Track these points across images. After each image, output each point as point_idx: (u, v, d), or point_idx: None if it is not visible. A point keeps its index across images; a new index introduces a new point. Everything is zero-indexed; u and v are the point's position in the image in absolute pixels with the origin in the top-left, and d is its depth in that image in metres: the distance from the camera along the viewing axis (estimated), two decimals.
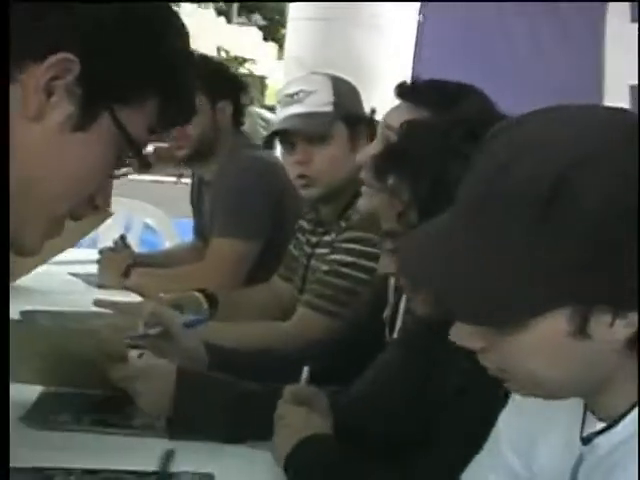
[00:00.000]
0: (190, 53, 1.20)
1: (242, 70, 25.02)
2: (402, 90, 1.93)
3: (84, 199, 1.15)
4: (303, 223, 2.85)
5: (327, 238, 2.66)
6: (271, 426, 1.70)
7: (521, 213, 0.95)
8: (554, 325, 0.95)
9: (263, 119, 17.72)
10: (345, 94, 2.63)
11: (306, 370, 1.77)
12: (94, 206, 1.17)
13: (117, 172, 1.18)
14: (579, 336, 0.95)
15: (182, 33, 1.17)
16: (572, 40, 4.34)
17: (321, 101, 2.59)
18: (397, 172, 1.46)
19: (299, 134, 2.63)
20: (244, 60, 25.80)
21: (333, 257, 2.54)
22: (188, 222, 4.83)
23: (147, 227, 4.38)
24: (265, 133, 11.04)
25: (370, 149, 1.88)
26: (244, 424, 1.82)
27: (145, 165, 1.16)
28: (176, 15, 1.17)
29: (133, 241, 4.15)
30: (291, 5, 5.39)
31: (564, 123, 1.00)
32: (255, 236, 3.13)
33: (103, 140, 1.10)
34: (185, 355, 2.07)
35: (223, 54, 27.26)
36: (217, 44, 27.65)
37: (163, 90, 1.13)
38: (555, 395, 1.06)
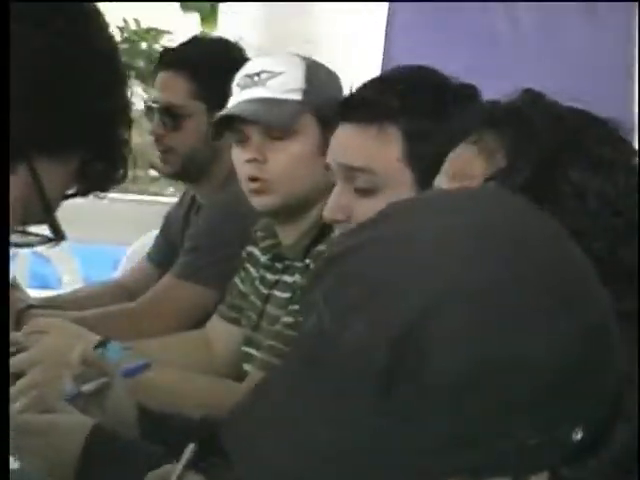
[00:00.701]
0: (128, 100, 1.21)
1: (157, 46, 25.32)
2: (347, 108, 1.95)
3: None
4: (255, 251, 2.66)
5: (288, 279, 2.51)
6: None
7: (359, 385, 0.93)
8: None
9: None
10: (321, 81, 2.48)
11: (191, 448, 1.69)
12: None
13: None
14: None
15: (122, 66, 1.21)
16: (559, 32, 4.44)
17: (288, 86, 2.44)
18: None
19: (255, 124, 2.46)
20: (158, 33, 26.01)
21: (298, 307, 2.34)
22: (93, 248, 4.66)
23: (37, 255, 4.19)
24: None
25: (336, 198, 1.86)
26: None
27: (54, 227, 1.18)
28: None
29: (19, 276, 3.95)
30: None
31: (411, 251, 0.96)
32: (220, 284, 2.91)
33: (15, 194, 1.12)
34: (114, 417, 1.96)
35: (132, 25, 27.50)
36: (124, 13, 27.83)
37: (90, 149, 1.17)
38: None
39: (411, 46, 4.25)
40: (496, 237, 0.97)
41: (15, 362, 2.11)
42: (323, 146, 2.31)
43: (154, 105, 3.12)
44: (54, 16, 1.14)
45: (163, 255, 3.39)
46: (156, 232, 4.14)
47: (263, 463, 0.97)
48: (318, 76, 2.49)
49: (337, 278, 0.98)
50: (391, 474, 0.94)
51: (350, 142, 1.99)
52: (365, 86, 2.06)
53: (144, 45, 24.54)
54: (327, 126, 2.32)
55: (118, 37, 24.35)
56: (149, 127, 3.14)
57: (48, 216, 1.17)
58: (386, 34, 4.36)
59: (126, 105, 1.20)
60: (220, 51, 3.14)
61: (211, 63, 3.04)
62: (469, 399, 0.91)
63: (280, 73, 2.45)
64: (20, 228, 1.19)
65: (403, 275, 0.95)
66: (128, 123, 1.21)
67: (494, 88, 1.59)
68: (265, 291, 2.57)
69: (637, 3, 4.17)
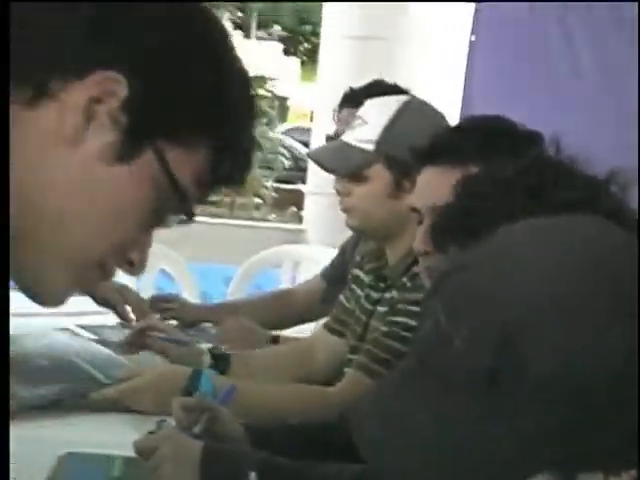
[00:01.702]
0: (254, 104, 1.15)
1: (262, 91, 25.19)
2: (429, 153, 1.97)
3: (117, 248, 1.08)
4: (360, 273, 2.78)
5: (388, 295, 2.59)
6: None
7: (466, 384, 0.96)
8: None
9: (284, 146, 17.79)
10: (402, 132, 2.46)
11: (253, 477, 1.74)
12: (128, 261, 1.10)
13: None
14: None
15: (245, 72, 1.13)
16: None
17: (366, 136, 2.52)
18: (459, 241, 1.43)
19: None
20: (264, 80, 25.95)
21: (395, 319, 2.46)
22: (206, 267, 4.86)
23: (162, 272, 4.40)
24: (287, 162, 11.05)
25: (424, 233, 1.91)
26: None
27: (189, 215, 1.11)
28: (239, 58, 1.13)
29: (147, 288, 4.21)
30: (325, 23, 5.42)
31: (513, 270, 0.99)
32: None
33: (144, 178, 1.05)
34: (226, 439, 2.05)
35: None
36: None
37: (220, 138, 1.09)
38: None
39: (487, 94, 4.26)
40: (580, 259, 0.98)
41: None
42: (395, 189, 2.50)
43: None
44: (194, 19, 1.09)
45: (335, 274, 3.45)
46: (264, 253, 4.40)
47: (387, 454, 1.00)
48: (403, 125, 2.48)
49: (451, 290, 1.02)
50: (489, 466, 0.96)
51: (436, 184, 2.00)
52: (448, 132, 2.15)
53: None
54: (400, 172, 2.46)
55: None
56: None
57: (181, 199, 1.08)
58: (465, 83, 4.35)
59: (252, 107, 1.13)
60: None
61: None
62: (561, 399, 0.93)
63: (366, 122, 2.52)
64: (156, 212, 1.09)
65: (505, 289, 0.97)
66: (253, 124, 1.14)
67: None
68: (370, 307, 2.65)
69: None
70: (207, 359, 2.67)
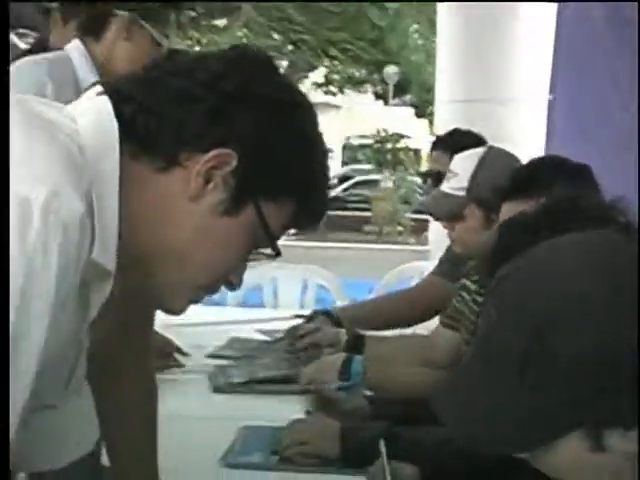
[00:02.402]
0: (328, 172, 1.18)
1: (400, 145, 25.42)
2: (506, 192, 1.93)
3: (223, 276, 1.13)
4: (467, 282, 2.70)
5: None
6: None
7: (523, 361, 0.94)
8: (574, 443, 0.94)
9: (418, 186, 17.80)
10: (486, 177, 2.44)
11: (382, 444, 1.67)
12: (229, 283, 1.15)
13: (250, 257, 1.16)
14: (599, 450, 0.94)
15: (324, 146, 1.16)
16: None
17: (457, 185, 2.50)
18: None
19: None
20: (401, 136, 26.15)
21: None
22: (353, 281, 4.89)
23: (321, 287, 4.37)
24: (420, 198, 11.06)
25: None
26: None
27: (276, 255, 1.14)
28: (319, 129, 1.16)
29: (310, 299, 4.26)
30: (437, 89, 5.45)
31: (549, 275, 0.98)
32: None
33: (246, 227, 1.09)
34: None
35: (383, 133, 27.76)
36: (377, 124, 28.12)
37: (303, 196, 1.12)
38: None
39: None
40: (598, 265, 0.97)
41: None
42: (486, 222, 2.45)
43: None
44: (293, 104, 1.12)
45: (443, 268, 3.34)
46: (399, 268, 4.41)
47: (459, 420, 0.99)
48: (485, 171, 2.46)
49: (501, 291, 1.01)
50: (531, 426, 0.95)
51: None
52: (518, 174, 2.12)
53: (389, 145, 24.07)
54: (488, 209, 2.41)
55: (372, 140, 23.50)
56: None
57: (272, 242, 1.12)
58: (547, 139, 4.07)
59: (327, 175, 1.17)
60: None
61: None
62: (588, 372, 0.91)
63: (456, 174, 2.51)
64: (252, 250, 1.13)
65: (540, 290, 0.96)
66: (327, 187, 1.18)
67: None
68: (477, 309, 2.60)
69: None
70: (344, 337, 2.69)
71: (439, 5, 5.50)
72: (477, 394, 0.99)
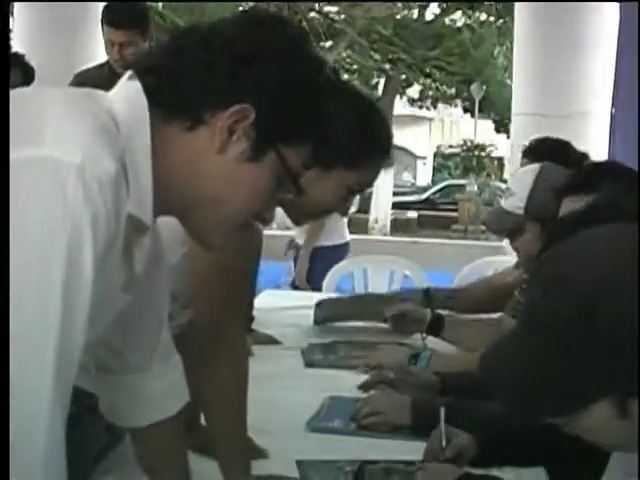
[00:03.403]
0: (329, 109, 1.15)
1: (483, 154, 25.20)
2: (564, 191, 1.90)
3: (255, 214, 1.15)
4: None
5: None
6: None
7: (562, 333, 0.95)
8: (603, 410, 0.95)
9: (501, 190, 17.56)
10: (541, 195, 2.33)
11: (442, 411, 1.67)
12: (262, 219, 1.17)
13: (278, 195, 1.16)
14: (624, 417, 0.94)
15: (329, 88, 1.15)
16: None
17: (515, 204, 2.40)
18: None
19: None
20: (484, 146, 25.88)
21: None
22: (437, 273, 4.86)
23: (406, 277, 4.35)
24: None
25: None
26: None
27: (299, 191, 1.14)
28: (335, 72, 1.17)
29: (396, 288, 4.20)
30: (513, 103, 5.38)
31: (590, 257, 0.98)
32: None
33: (269, 171, 1.09)
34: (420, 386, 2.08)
35: (469, 143, 27.48)
36: (464, 135, 27.81)
37: (317, 136, 1.12)
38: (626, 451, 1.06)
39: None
40: (626, 252, 0.96)
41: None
42: (543, 234, 2.32)
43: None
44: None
45: None
46: (476, 262, 4.36)
47: (503, 384, 1.00)
48: (541, 191, 2.35)
49: (546, 270, 1.01)
50: (567, 393, 0.96)
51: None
52: (574, 175, 2.08)
53: (475, 154, 23.88)
54: (546, 223, 2.27)
55: (460, 149, 23.29)
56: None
57: (294, 181, 1.12)
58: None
59: (331, 113, 1.15)
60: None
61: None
62: (620, 347, 0.92)
63: (514, 194, 2.42)
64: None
65: (584, 267, 0.97)
66: (334, 123, 1.14)
67: None
68: None
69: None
70: (427, 313, 2.68)
71: (516, 26, 5.42)
72: (520, 361, 0.98)
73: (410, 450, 1.73)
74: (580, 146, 3.12)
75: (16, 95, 1.04)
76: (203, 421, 1.60)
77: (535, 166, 2.47)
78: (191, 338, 1.45)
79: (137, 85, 1.07)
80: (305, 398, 2.09)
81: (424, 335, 2.60)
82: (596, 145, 4.25)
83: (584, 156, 2.91)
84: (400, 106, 23.83)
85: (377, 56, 19.50)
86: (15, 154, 0.93)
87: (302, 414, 1.96)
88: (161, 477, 1.37)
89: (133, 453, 1.40)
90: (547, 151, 2.90)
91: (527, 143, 3.28)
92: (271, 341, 2.74)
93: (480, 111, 25.43)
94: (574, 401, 0.96)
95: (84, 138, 0.96)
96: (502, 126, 23.13)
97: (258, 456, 1.67)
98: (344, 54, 19.32)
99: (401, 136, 24.07)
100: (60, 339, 0.92)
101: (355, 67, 20.64)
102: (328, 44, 18.07)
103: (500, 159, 23.79)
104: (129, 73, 1.10)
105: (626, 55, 3.81)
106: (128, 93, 1.07)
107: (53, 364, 0.92)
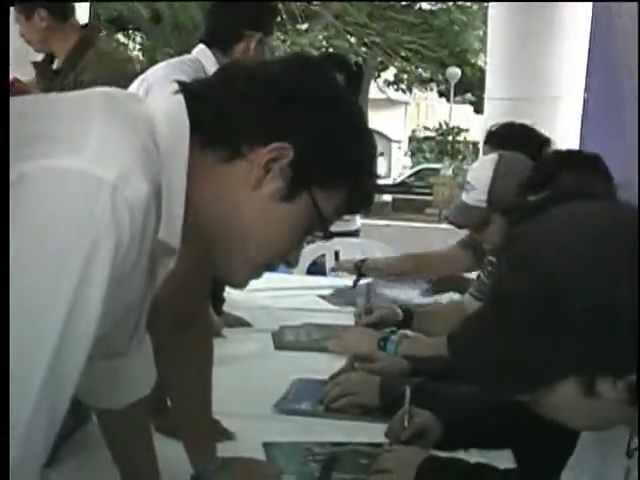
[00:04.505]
0: (375, 160, 1.15)
1: (459, 138, 25.31)
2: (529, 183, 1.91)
3: (281, 255, 1.13)
4: (493, 259, 2.61)
5: None
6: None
7: (527, 311, 0.96)
8: (570, 388, 0.96)
9: None
10: (502, 187, 2.32)
11: (407, 391, 1.69)
12: (287, 260, 1.15)
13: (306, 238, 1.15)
14: (591, 396, 0.95)
15: (371, 138, 1.14)
16: None
17: (477, 197, 2.37)
18: None
19: None
20: (460, 130, 25.98)
21: None
22: None
23: None
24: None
25: None
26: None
27: (329, 236, 1.14)
28: (365, 123, 1.15)
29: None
30: (487, 87, 5.39)
31: (554, 235, 0.99)
32: None
33: (301, 212, 1.08)
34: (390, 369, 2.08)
35: (444, 126, 27.55)
36: (439, 118, 27.88)
37: (353, 184, 1.10)
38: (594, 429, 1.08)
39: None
40: (601, 230, 0.97)
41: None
42: (509, 223, 2.26)
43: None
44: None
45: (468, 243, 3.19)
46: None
47: (469, 360, 1.02)
48: (501, 181, 2.33)
49: (513, 248, 1.03)
50: (533, 371, 0.97)
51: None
52: (536, 167, 2.09)
53: (450, 137, 24.13)
54: (510, 213, 2.22)
55: (435, 133, 23.53)
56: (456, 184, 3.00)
57: (324, 226, 1.11)
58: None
59: (372, 161, 1.14)
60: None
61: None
62: (587, 326, 0.92)
63: (475, 187, 2.39)
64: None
65: (550, 246, 0.98)
66: (374, 174, 1.14)
67: None
68: None
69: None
70: (400, 313, 2.67)
71: (490, 10, 5.43)
72: (488, 339, 0.99)
73: (379, 432, 1.74)
74: (552, 130, 3.12)
75: (55, 98, 1.04)
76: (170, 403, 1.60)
77: (492, 156, 2.44)
78: (155, 320, 1.44)
79: (182, 105, 1.07)
80: (274, 380, 2.09)
81: (395, 329, 2.58)
82: (568, 129, 4.28)
83: (547, 141, 2.87)
84: (375, 90, 23.81)
85: (353, 39, 19.47)
86: (51, 161, 0.92)
87: (271, 396, 1.96)
88: (129, 457, 1.38)
89: (98, 434, 1.39)
90: (509, 137, 2.86)
91: (487, 133, 3.20)
92: (242, 323, 2.73)
93: (455, 95, 25.50)
94: (540, 379, 0.97)
95: (122, 157, 0.96)
96: (480, 109, 23.27)
97: (225, 438, 1.67)
98: (320, 37, 19.27)
99: (376, 120, 24.10)
100: (55, 355, 0.89)
101: (331, 50, 20.62)
102: (304, 27, 18.02)
103: (475, 143, 23.83)
104: (174, 86, 1.09)
105: (599, 41, 3.82)
106: (171, 111, 1.07)
107: (42, 378, 0.89)
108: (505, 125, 3.11)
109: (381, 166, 1.16)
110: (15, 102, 1.02)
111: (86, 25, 3.50)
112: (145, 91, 2.54)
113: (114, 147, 0.96)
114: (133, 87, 2.59)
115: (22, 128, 0.96)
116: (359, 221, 4.70)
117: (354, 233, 4.61)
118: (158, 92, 2.43)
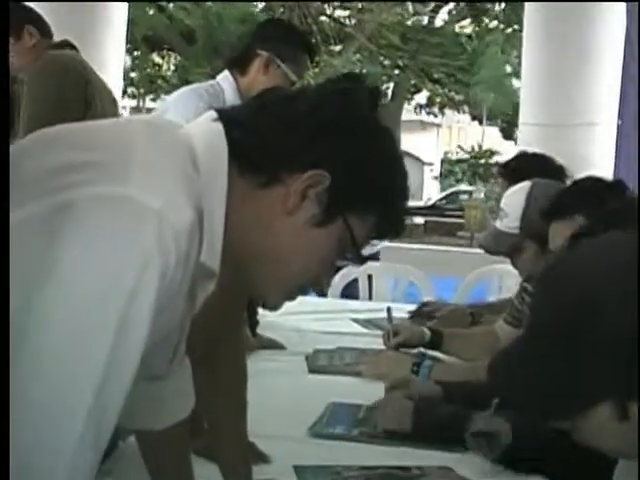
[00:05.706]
0: (408, 190, 1.16)
1: (490, 161, 25.25)
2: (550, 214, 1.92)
3: (314, 279, 1.14)
4: (527, 285, 2.61)
5: None
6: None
7: (565, 336, 0.97)
8: (606, 412, 0.96)
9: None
10: (534, 214, 2.28)
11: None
12: (318, 284, 1.16)
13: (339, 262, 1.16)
14: (625, 420, 0.95)
15: (404, 167, 1.16)
16: None
17: (510, 224, 2.39)
18: None
19: None
20: (492, 152, 25.97)
21: None
22: (442, 280, 4.85)
23: (411, 284, 4.32)
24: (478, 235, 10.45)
25: None
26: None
27: (361, 261, 1.16)
28: (399, 152, 1.16)
29: (400, 294, 4.22)
30: (521, 112, 5.37)
31: (591, 263, 1.00)
32: None
33: (335, 237, 1.09)
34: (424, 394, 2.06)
35: (476, 148, 27.51)
36: (471, 141, 27.86)
37: (385, 210, 1.12)
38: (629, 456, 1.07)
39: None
40: (623, 261, 0.99)
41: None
42: (542, 252, 2.29)
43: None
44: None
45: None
46: (480, 269, 4.33)
47: (509, 387, 1.02)
48: (534, 208, 2.32)
49: (549, 278, 1.04)
50: (569, 395, 0.98)
51: (557, 234, 2.02)
52: (558, 197, 2.10)
53: (482, 160, 23.90)
54: (543, 240, 2.20)
55: (467, 155, 23.38)
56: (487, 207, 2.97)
57: (357, 251, 1.13)
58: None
59: (405, 189, 1.15)
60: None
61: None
62: (620, 351, 0.93)
63: (508, 214, 2.40)
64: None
65: (583, 273, 0.99)
66: (406, 200, 1.16)
67: None
68: None
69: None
70: (427, 335, 2.65)
71: (525, 34, 5.42)
72: (527, 366, 1.00)
73: (409, 456, 1.75)
74: (587, 157, 3.11)
75: (98, 125, 1.08)
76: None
77: (526, 184, 2.44)
78: (191, 341, 1.46)
79: (220, 130, 1.08)
80: (308, 404, 2.09)
81: (423, 350, 2.58)
82: (602, 156, 4.25)
83: (561, 169, 2.87)
84: (408, 112, 23.84)
85: (386, 62, 19.53)
86: (99, 188, 0.94)
87: (305, 420, 1.96)
88: (167, 478, 1.38)
89: (132, 454, 1.41)
90: (524, 168, 2.86)
91: (499, 166, 3.20)
92: (276, 346, 2.75)
93: (488, 119, 25.45)
94: (578, 403, 0.98)
95: (166, 184, 0.98)
96: (510, 133, 23.16)
97: (260, 461, 1.68)
98: (353, 59, 19.36)
99: (408, 142, 24.08)
100: (101, 381, 0.89)
101: (364, 72, 20.69)
102: (337, 48, 18.11)
103: None
104: (214, 114, 1.11)
105: (631, 66, 3.84)
106: (211, 136, 1.08)
107: (88, 405, 0.89)
108: (518, 157, 3.11)
109: (412, 188, 1.18)
110: (62, 130, 1.05)
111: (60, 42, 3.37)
112: (162, 111, 2.69)
113: (158, 175, 0.98)
114: (157, 105, 2.73)
115: (67, 156, 0.99)
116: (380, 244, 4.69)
117: (374, 256, 4.59)
118: (172, 112, 2.59)
